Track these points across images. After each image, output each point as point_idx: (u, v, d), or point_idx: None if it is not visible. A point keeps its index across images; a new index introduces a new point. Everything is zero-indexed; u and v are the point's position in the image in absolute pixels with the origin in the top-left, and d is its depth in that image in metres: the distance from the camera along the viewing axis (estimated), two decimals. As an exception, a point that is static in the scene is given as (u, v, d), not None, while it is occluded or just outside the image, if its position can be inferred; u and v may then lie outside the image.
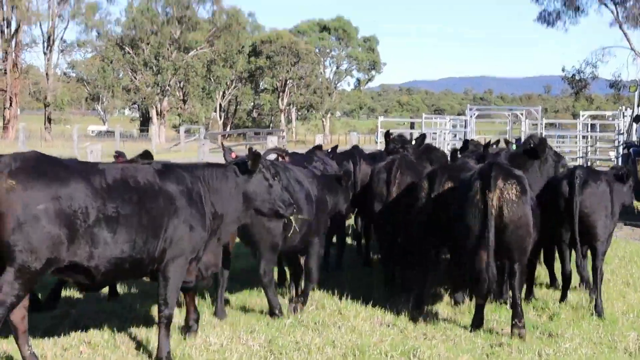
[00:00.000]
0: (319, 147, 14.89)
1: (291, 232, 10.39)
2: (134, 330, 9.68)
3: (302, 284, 11.69)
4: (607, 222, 11.30)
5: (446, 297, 11.99)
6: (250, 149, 9.19)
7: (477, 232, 9.85)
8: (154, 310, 10.21)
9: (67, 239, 7.58)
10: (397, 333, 10.13)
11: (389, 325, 10.52)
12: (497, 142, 16.51)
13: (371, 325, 10.41)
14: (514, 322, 10.05)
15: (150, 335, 9.44)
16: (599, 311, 11.00)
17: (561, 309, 11.20)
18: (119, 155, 11.95)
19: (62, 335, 9.44)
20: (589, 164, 38.31)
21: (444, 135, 39.50)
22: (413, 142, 14.56)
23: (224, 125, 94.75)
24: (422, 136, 15.07)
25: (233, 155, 9.82)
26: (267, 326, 10.14)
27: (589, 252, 11.94)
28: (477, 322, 10.33)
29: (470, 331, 10.18)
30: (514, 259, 10.13)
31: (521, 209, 9.90)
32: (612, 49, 53.25)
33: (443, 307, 11.48)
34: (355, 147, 15.59)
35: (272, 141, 33.28)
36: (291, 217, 9.90)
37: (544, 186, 11.77)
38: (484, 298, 10.31)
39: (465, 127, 37.89)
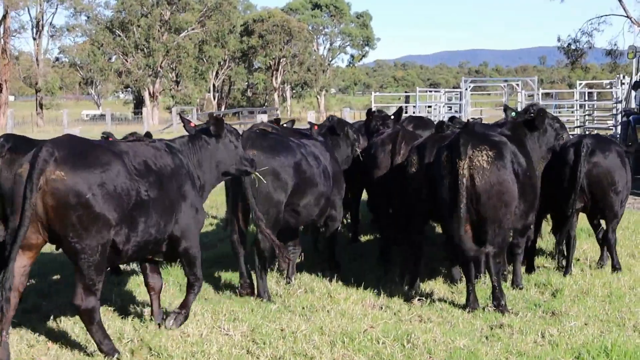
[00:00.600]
0: (277, 121, 14.65)
1: (257, 184, 9.95)
2: (107, 323, 9.02)
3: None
4: (617, 190, 11.22)
5: (443, 276, 11.34)
6: (210, 114, 9.76)
7: (449, 203, 9.38)
8: (129, 304, 9.87)
9: (116, 222, 7.61)
10: (390, 316, 9.50)
11: (381, 308, 9.91)
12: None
13: (363, 309, 9.77)
14: (494, 304, 9.59)
15: (125, 327, 8.81)
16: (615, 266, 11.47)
17: (564, 285, 10.53)
18: (107, 136, 11.43)
19: (31, 330, 8.82)
20: (587, 133, 37.75)
21: (439, 108, 38.91)
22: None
23: (218, 105, 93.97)
24: (399, 110, 14.37)
25: (192, 124, 9.57)
26: (251, 313, 9.48)
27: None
28: (471, 303, 9.73)
29: (468, 312, 9.54)
30: (489, 232, 9.45)
31: (494, 176, 9.28)
32: (608, 17, 52.39)
33: (439, 287, 10.84)
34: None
35: (262, 120, 32.50)
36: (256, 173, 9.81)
37: (552, 156, 11.28)
38: (468, 274, 9.75)
39: (460, 99, 37.19)
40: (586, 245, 13.34)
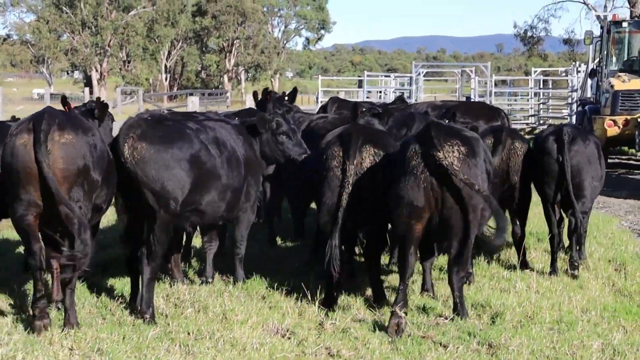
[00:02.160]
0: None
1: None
2: None
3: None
4: (593, 182, 10.82)
5: (362, 294, 9.59)
6: (98, 99, 9.61)
7: (411, 202, 8.14)
8: None
9: None
10: (292, 347, 7.71)
11: (284, 335, 8.10)
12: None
13: (261, 336, 7.95)
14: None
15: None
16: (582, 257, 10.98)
17: (506, 307, 8.79)
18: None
19: None
20: (541, 122, 36.48)
21: (389, 93, 37.31)
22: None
23: (170, 86, 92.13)
24: (293, 90, 13.40)
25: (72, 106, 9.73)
26: (121, 342, 7.62)
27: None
28: (399, 303, 8.32)
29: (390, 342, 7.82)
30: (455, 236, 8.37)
31: (465, 174, 8.03)
32: (565, 3, 50.95)
33: (359, 308, 9.05)
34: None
35: (192, 102, 30.70)
36: None
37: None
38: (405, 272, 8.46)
39: (410, 84, 35.52)
40: (534, 253, 11.71)
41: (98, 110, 9.38)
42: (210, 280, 9.83)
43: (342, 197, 8.50)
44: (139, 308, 8.44)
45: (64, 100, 10.06)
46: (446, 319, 8.53)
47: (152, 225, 8.38)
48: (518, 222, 11.11)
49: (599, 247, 12.05)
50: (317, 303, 8.91)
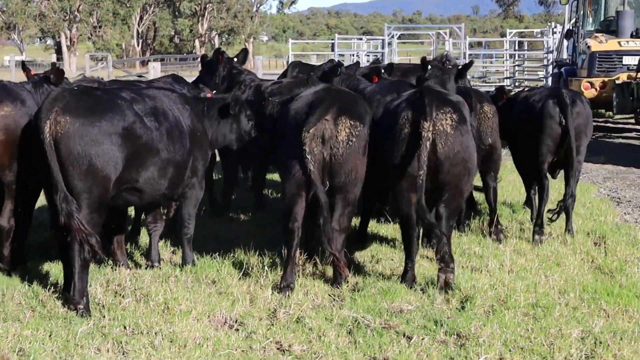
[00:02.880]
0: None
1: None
2: None
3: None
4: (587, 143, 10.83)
5: (321, 278, 8.78)
6: (53, 64, 9.79)
7: (405, 171, 8.03)
8: None
9: None
10: (239, 342, 6.91)
11: (232, 327, 7.30)
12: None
13: (205, 328, 7.15)
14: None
15: None
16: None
17: (477, 290, 8.00)
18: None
19: None
20: (516, 84, 35.73)
21: (361, 56, 36.36)
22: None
23: (143, 52, 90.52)
24: (244, 51, 12.61)
25: (32, 73, 9.70)
26: (48, 340, 6.81)
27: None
28: (408, 281, 8.33)
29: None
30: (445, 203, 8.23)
31: (458, 142, 8.02)
32: (541, -38, 50.18)
33: (317, 291, 8.25)
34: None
35: (154, 67, 29.76)
36: None
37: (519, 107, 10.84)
38: (410, 250, 8.44)
39: (382, 47, 34.57)
40: (508, 225, 10.98)
41: (54, 76, 9.32)
42: (155, 264, 9.00)
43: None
44: (72, 298, 7.57)
45: (24, 66, 10.07)
46: (411, 305, 7.75)
47: (81, 207, 7.48)
48: (490, 187, 10.56)
49: (576, 218, 11.26)
50: (270, 288, 8.13)
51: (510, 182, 13.39)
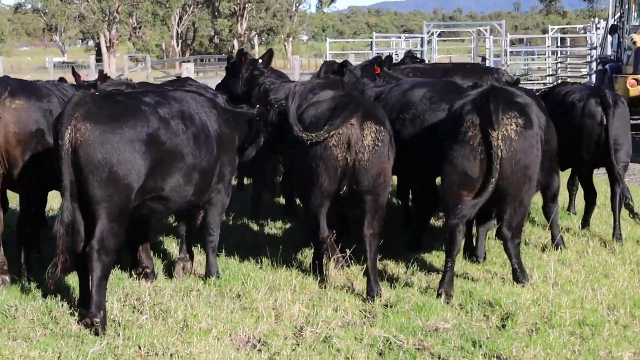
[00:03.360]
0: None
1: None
2: None
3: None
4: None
5: (354, 295, 8.23)
6: (100, 71, 9.82)
7: (465, 172, 7.84)
8: None
9: None
10: (262, 364, 6.42)
11: (255, 347, 6.81)
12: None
13: (227, 349, 6.66)
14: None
15: None
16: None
17: (519, 306, 7.43)
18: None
19: None
20: (559, 81, 34.89)
21: (399, 55, 35.73)
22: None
23: (182, 52, 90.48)
24: (269, 52, 11.90)
25: (82, 79, 9.83)
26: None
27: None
28: (446, 284, 7.98)
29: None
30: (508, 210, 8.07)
31: (521, 148, 7.83)
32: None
33: (348, 310, 7.71)
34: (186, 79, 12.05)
35: (187, 68, 29.37)
36: None
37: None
38: (453, 247, 8.09)
39: (422, 45, 33.91)
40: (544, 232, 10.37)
41: (101, 83, 9.59)
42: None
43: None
44: (89, 312, 7.11)
45: (74, 72, 10.29)
46: (447, 323, 7.19)
47: (100, 216, 7.13)
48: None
49: (624, 224, 10.60)
50: (298, 304, 7.62)
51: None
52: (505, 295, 7.66)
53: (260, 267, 8.85)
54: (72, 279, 8.21)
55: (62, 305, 7.59)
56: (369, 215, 8.09)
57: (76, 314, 7.38)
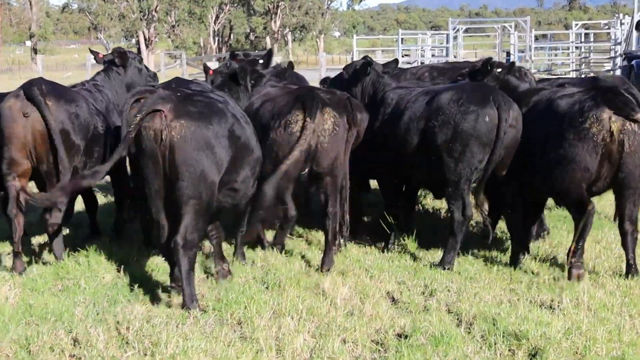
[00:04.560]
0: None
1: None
2: None
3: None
4: None
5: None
6: (114, 49, 10.10)
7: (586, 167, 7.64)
8: None
9: None
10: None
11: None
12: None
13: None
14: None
15: None
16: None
17: (549, 340, 6.27)
18: None
19: None
20: (582, 76, 33.55)
21: (425, 51, 34.56)
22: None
23: (219, 49, 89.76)
24: (269, 52, 11.21)
25: (100, 55, 10.08)
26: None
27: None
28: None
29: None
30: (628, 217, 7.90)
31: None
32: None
33: (360, 333, 6.59)
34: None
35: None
36: None
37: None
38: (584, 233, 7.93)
39: (447, 42, 32.66)
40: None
41: (118, 59, 9.81)
42: (225, 265, 8.20)
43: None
44: (183, 303, 7.14)
45: (91, 50, 10.63)
46: (468, 358, 6.06)
47: (190, 213, 7.09)
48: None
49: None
50: (303, 334, 6.52)
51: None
52: (533, 326, 6.48)
53: (267, 288, 7.76)
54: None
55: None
56: (332, 196, 8.36)
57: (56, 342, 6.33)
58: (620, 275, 8.03)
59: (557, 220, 10.23)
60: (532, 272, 8.17)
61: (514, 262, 8.42)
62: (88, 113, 8.67)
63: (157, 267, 8.45)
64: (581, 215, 7.82)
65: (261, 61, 10.69)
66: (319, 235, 9.74)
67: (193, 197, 7.03)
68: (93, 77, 9.85)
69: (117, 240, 9.52)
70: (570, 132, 7.70)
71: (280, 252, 9.06)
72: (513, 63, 10.59)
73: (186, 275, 7.10)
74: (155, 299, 7.50)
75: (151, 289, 7.74)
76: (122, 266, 8.34)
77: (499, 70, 9.72)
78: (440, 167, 8.22)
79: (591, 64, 36.35)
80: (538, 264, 8.43)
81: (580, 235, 7.87)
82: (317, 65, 48.17)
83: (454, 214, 8.34)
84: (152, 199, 7.19)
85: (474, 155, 8.06)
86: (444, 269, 8.22)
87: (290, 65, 11.39)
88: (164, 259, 7.91)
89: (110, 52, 10.21)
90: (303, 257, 8.90)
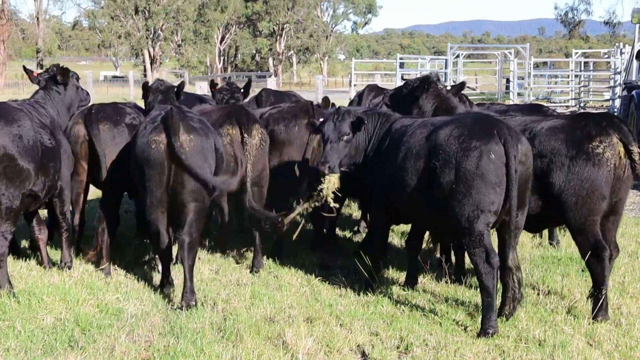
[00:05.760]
0: None
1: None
2: None
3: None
4: None
5: None
6: (56, 65, 9.33)
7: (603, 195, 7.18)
8: None
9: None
10: None
11: None
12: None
13: None
14: None
15: None
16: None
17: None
18: None
19: None
20: (581, 105, 32.71)
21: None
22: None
23: (224, 69, 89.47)
24: (248, 82, 11.16)
25: (35, 74, 9.43)
26: None
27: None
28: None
29: None
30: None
31: None
32: (607, -16, 46.83)
33: None
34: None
35: (200, 87, 27.51)
36: None
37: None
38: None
39: (445, 67, 31.77)
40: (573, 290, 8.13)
41: (61, 76, 9.22)
42: None
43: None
44: (184, 296, 7.59)
45: (24, 68, 9.80)
46: None
47: (191, 214, 7.75)
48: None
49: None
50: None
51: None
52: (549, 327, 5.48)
53: (223, 337, 6.76)
54: None
55: None
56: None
57: None
58: (621, 328, 7.01)
59: (551, 262, 9.22)
60: (520, 324, 7.12)
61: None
62: (32, 131, 7.92)
63: (106, 307, 7.45)
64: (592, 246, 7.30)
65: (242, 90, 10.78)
66: (290, 274, 8.77)
67: (195, 200, 7.74)
68: (33, 95, 9.14)
69: (68, 273, 8.53)
70: (577, 160, 7.35)
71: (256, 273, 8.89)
72: (463, 83, 9.83)
73: (189, 270, 7.62)
74: (96, 351, 6.49)
75: (93, 335, 6.73)
76: (66, 307, 7.35)
77: (441, 87, 9.02)
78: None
79: (590, 93, 35.45)
80: (527, 315, 7.38)
81: None
82: (312, 87, 47.58)
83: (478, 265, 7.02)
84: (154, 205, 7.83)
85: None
86: (487, 335, 6.85)
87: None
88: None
89: (47, 69, 9.47)
90: (270, 299, 7.87)
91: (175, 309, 7.38)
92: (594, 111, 32.03)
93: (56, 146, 8.30)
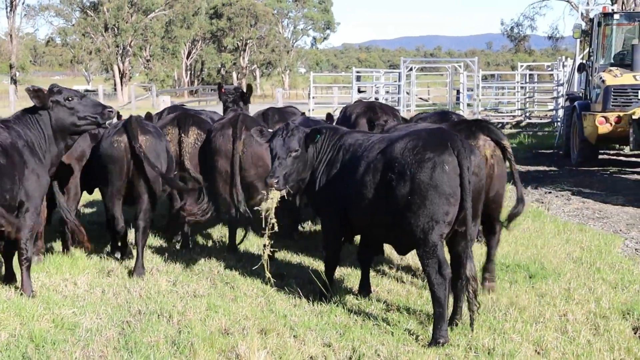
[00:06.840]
0: None
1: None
2: None
3: None
4: None
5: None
6: (27, 89, 8.25)
7: None
8: None
9: None
10: None
11: None
12: None
13: None
14: None
15: None
16: None
17: None
18: None
19: None
20: (527, 114, 32.86)
21: (379, 88, 33.57)
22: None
23: (191, 83, 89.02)
24: (249, 87, 11.93)
25: None
26: None
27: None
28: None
29: None
30: None
31: None
32: (549, 1, 47.07)
33: None
34: None
35: (164, 100, 27.07)
36: None
37: None
38: None
39: (399, 80, 31.67)
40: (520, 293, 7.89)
41: (35, 99, 8.11)
42: None
43: None
44: (136, 270, 8.75)
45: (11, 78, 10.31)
46: None
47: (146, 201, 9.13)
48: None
49: (606, 288, 8.21)
50: None
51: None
52: None
53: (177, 350, 6.40)
54: None
55: None
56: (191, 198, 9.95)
57: None
58: (567, 335, 6.77)
59: (499, 270, 8.96)
60: (471, 335, 6.85)
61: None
62: None
63: (62, 322, 7.06)
64: None
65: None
66: (247, 284, 8.44)
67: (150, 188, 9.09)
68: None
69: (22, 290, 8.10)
70: None
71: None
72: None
73: (142, 249, 8.89)
74: None
75: (47, 352, 6.35)
76: (21, 323, 6.95)
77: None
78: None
79: (535, 103, 35.60)
80: (477, 323, 7.10)
81: None
82: (273, 100, 47.43)
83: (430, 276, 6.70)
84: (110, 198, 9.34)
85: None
86: (438, 345, 6.52)
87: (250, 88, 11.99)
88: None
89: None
90: (225, 310, 7.52)
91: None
92: (539, 121, 32.35)
93: (11, 166, 7.52)
